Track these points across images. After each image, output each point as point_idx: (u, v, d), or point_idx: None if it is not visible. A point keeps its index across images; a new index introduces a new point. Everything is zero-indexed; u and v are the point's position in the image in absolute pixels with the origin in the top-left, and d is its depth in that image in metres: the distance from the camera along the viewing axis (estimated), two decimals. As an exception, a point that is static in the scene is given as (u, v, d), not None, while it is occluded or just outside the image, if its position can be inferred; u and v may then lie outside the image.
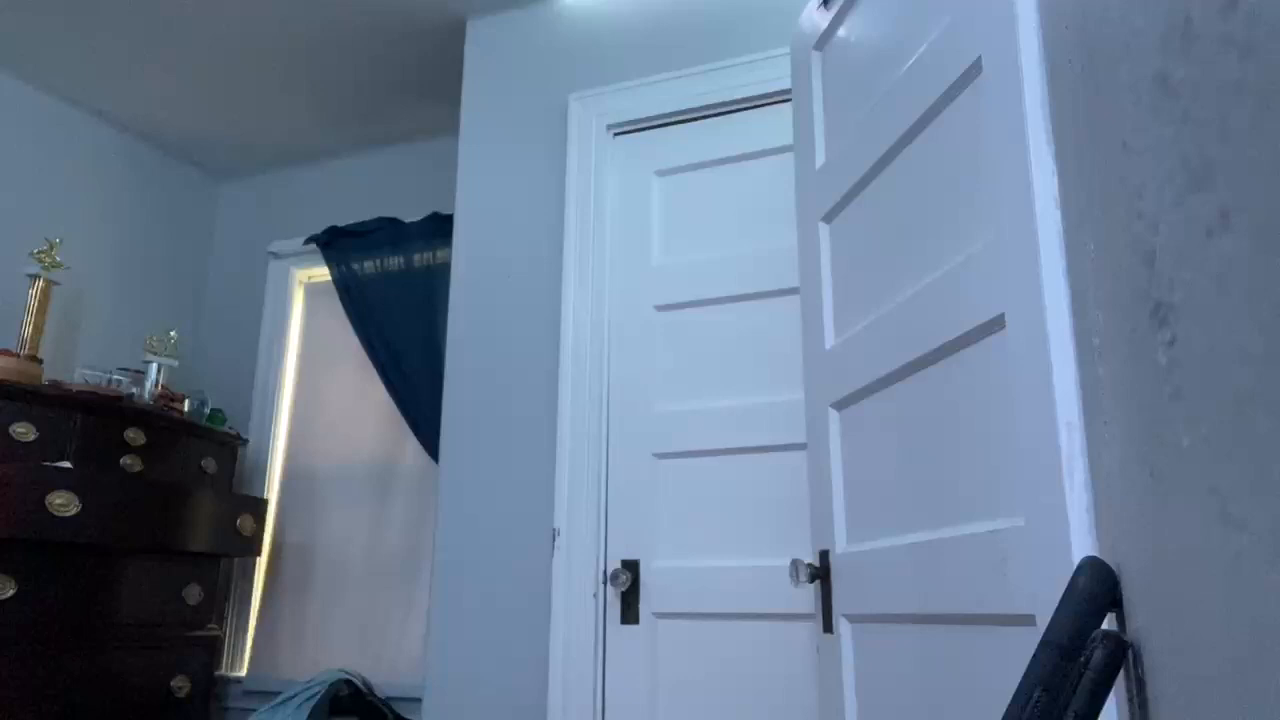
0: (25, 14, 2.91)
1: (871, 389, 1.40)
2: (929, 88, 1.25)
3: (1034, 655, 0.71)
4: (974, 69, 1.15)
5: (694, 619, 2.10)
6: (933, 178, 1.25)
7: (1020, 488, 1.00)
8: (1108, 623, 0.74)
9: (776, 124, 2.30)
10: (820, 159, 1.64)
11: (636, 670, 2.12)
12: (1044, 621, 0.95)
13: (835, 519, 1.49)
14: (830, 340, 1.56)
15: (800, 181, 1.73)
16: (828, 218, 1.60)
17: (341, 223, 3.56)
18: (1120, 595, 0.74)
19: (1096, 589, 0.73)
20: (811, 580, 1.51)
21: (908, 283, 1.31)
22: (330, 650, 3.24)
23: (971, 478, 1.12)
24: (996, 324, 1.07)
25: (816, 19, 1.70)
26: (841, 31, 1.60)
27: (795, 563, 1.51)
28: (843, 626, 1.45)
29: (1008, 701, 0.94)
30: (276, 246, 3.77)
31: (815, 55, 1.70)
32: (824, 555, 1.51)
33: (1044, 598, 0.95)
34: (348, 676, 2.93)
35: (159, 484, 2.93)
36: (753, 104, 2.34)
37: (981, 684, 1.07)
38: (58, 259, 3.07)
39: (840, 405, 1.52)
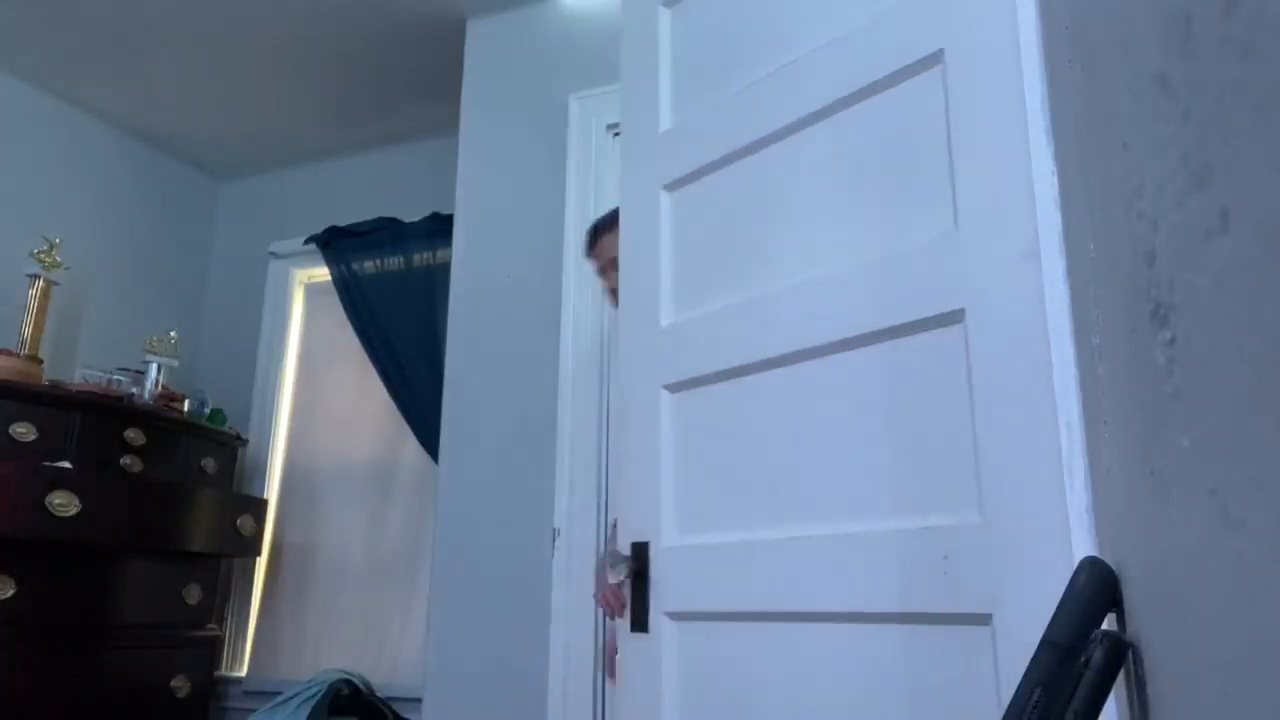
0: (25, 13, 2.90)
1: (752, 369, 1.28)
2: (864, 70, 1.20)
3: (1034, 655, 0.71)
4: (933, 59, 1.12)
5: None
6: (866, 161, 1.20)
7: (984, 486, 1.00)
8: (1108, 623, 0.74)
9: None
10: (665, 123, 1.52)
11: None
12: (1001, 620, 0.96)
13: (662, 509, 1.36)
14: (668, 317, 1.43)
15: (630, 145, 1.59)
16: (673, 186, 1.48)
17: (341, 223, 3.56)
18: (1120, 595, 0.74)
19: (1096, 589, 0.73)
20: (631, 575, 1.38)
21: (814, 265, 1.22)
22: (330, 650, 3.24)
23: (902, 473, 1.09)
24: (953, 317, 1.06)
25: None
26: None
27: (613, 553, 1.38)
28: (664, 625, 1.35)
29: (913, 697, 0.95)
30: (276, 246, 3.77)
31: (664, 12, 1.57)
32: (642, 548, 1.38)
33: (1001, 597, 0.95)
34: (348, 676, 2.93)
35: (159, 484, 2.93)
36: (753, 104, 2.34)
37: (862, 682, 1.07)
38: (58, 259, 3.07)
39: (678, 388, 1.38)
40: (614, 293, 1.90)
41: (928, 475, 1.06)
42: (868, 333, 1.14)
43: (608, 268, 1.94)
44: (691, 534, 1.33)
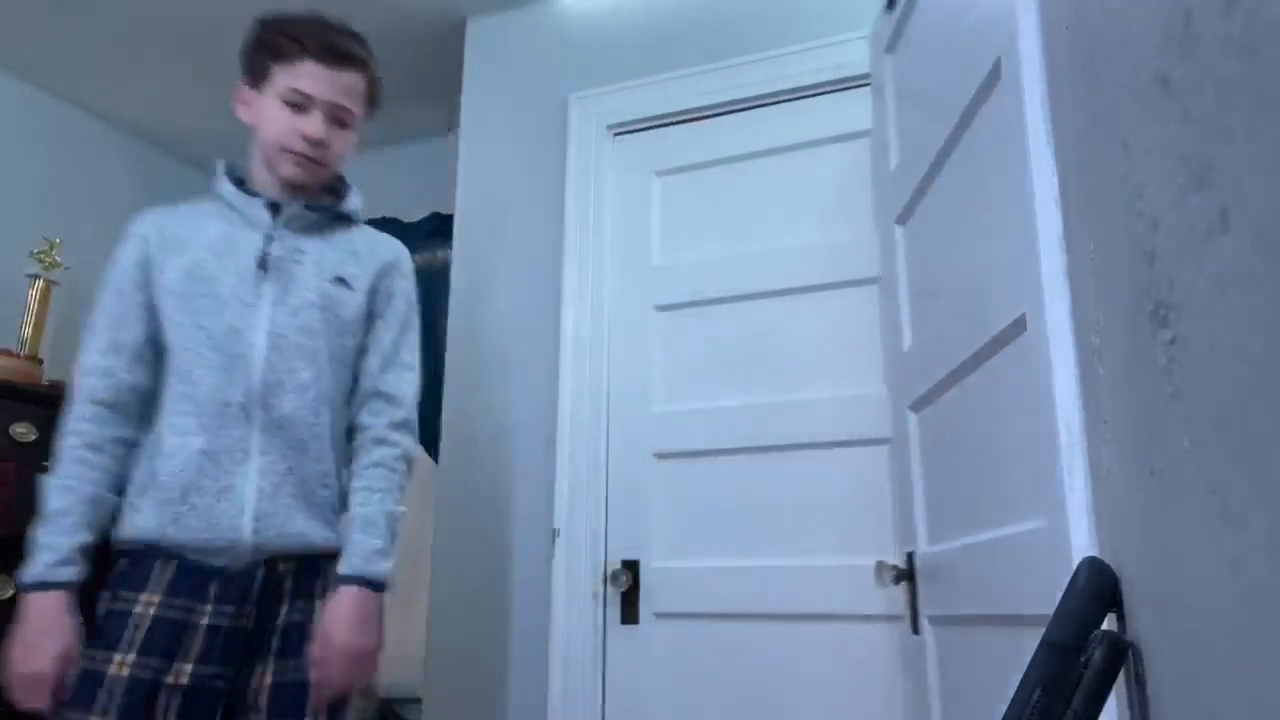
0: (24, 13, 2.90)
1: (938, 390, 1.42)
2: (965, 89, 1.26)
3: (1034, 655, 0.71)
4: (995, 71, 1.15)
5: (694, 619, 2.10)
6: (968, 181, 1.27)
7: (1041, 488, 1.00)
8: (1108, 623, 0.74)
9: (777, 124, 2.30)
10: (894, 160, 1.67)
11: (637, 670, 2.12)
12: None
13: (917, 520, 1.51)
14: (908, 342, 1.58)
15: (877, 183, 1.78)
16: (900, 219, 1.62)
17: (341, 223, 3.56)
18: (1120, 595, 0.74)
19: (1096, 589, 0.73)
20: (897, 582, 1.55)
21: (953, 286, 1.34)
22: (330, 650, 3.23)
23: (1007, 480, 1.13)
24: (1020, 325, 1.07)
25: (886, 22, 1.73)
26: (905, 35, 1.63)
27: (880, 564, 1.54)
28: (927, 626, 1.47)
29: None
30: (276, 246, 3.76)
31: (887, 58, 1.72)
32: (910, 557, 1.54)
33: (1055, 597, 0.96)
34: (348, 676, 2.92)
35: (159, 484, 2.92)
36: (753, 104, 2.34)
37: (995, 685, 1.07)
38: (58, 259, 3.06)
39: (915, 407, 1.54)
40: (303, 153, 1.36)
41: (1020, 480, 1.09)
42: (978, 349, 1.21)
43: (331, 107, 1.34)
44: (930, 543, 1.47)
